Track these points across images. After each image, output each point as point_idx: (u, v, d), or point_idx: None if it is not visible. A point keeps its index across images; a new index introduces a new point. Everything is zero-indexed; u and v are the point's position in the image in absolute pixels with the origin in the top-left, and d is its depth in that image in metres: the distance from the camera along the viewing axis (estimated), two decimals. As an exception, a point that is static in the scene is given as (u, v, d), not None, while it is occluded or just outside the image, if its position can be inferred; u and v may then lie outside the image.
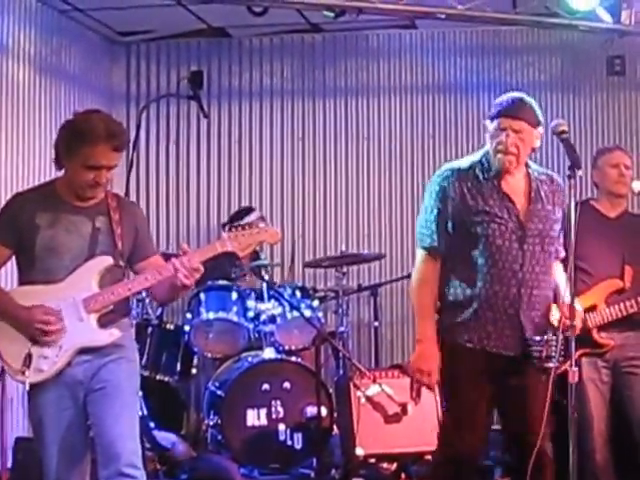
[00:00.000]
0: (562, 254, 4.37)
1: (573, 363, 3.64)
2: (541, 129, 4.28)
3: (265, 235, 4.25)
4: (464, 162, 4.34)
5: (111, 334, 4.12)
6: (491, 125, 4.23)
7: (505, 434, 4.40)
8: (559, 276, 4.34)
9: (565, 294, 4.11)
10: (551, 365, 3.92)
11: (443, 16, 6.46)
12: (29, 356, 4.06)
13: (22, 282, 4.21)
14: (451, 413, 4.35)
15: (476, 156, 4.33)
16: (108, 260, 4.14)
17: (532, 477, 4.06)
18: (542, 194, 4.27)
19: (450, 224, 4.26)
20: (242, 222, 7.41)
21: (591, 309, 4.97)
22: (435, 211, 4.26)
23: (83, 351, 4.10)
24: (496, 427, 4.47)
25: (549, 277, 4.28)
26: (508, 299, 4.16)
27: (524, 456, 4.11)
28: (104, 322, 4.13)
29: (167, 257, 4.31)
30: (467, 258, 4.22)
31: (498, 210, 4.18)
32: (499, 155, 4.18)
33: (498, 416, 4.42)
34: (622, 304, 5.03)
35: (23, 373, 4.06)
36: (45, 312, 4.05)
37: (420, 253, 4.33)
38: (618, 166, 5.26)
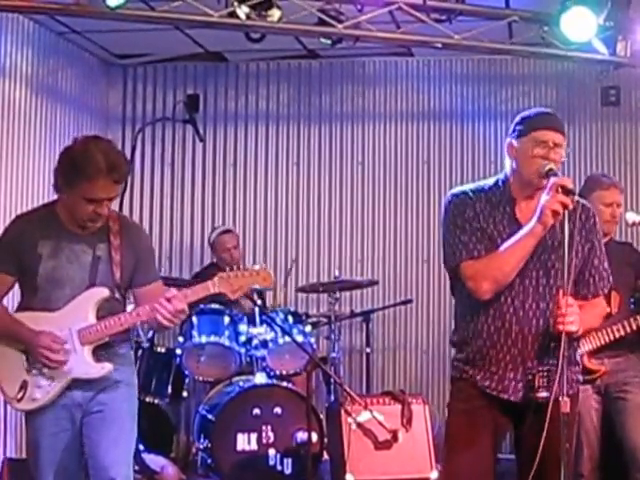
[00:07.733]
0: (600, 290, 3.94)
1: (564, 393, 3.60)
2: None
3: (257, 278, 4.21)
4: (479, 184, 3.91)
5: (103, 367, 4.10)
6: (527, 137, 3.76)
7: None
8: (584, 315, 3.73)
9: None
10: (544, 395, 3.70)
11: (439, 45, 6.47)
12: (25, 384, 4.06)
13: (21, 307, 4.18)
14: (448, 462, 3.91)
15: (490, 180, 3.92)
16: (104, 292, 4.11)
17: None
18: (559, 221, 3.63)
19: None
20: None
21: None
22: (466, 225, 3.78)
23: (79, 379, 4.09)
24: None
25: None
26: (510, 337, 3.74)
27: None
28: (99, 352, 4.11)
29: (164, 280, 4.31)
30: None
31: (507, 237, 3.73)
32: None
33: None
34: (609, 328, 5.03)
35: (18, 400, 4.08)
36: (53, 339, 4.04)
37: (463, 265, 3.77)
38: (612, 205, 5.12)
